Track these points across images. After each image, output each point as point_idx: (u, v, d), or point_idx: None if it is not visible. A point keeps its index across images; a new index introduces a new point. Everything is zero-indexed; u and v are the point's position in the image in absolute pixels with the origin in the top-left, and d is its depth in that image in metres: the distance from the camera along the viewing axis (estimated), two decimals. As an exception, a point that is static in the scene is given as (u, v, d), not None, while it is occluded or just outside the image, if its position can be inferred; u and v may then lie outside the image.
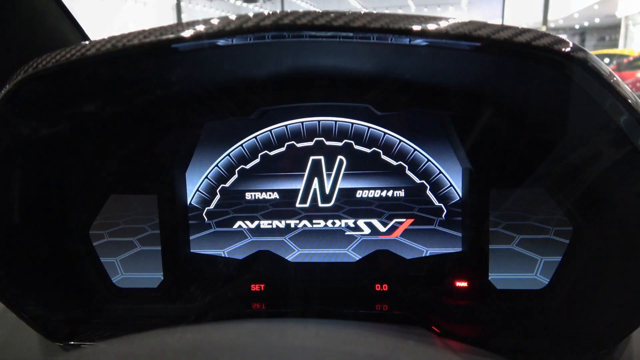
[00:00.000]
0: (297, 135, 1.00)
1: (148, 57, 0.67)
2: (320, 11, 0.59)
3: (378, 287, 0.96)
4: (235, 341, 0.40)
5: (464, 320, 0.92)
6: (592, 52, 0.60)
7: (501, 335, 0.86)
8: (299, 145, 1.00)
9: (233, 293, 0.98)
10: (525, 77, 0.74)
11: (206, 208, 1.03)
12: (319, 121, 0.99)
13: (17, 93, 0.66)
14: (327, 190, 1.01)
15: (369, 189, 1.00)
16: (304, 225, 1.03)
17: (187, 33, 0.60)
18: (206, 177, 1.02)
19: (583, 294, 0.88)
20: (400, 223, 1.00)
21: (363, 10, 0.60)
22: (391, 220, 1.00)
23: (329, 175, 1.01)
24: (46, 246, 0.91)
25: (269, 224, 1.03)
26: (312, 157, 1.00)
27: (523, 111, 0.87)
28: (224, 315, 0.94)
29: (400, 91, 0.92)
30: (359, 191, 1.01)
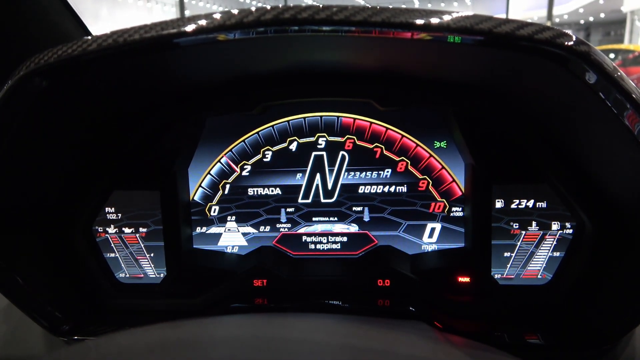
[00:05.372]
0: (299, 130, 1.00)
1: (149, 53, 0.67)
2: (322, 5, 0.59)
3: (380, 282, 0.96)
4: (236, 334, 0.41)
5: (466, 315, 0.92)
6: (597, 48, 0.59)
7: (504, 331, 0.86)
8: (301, 140, 1.00)
9: (235, 288, 0.98)
10: (528, 72, 0.73)
11: (209, 204, 1.03)
12: (321, 117, 0.99)
13: (19, 88, 0.66)
14: (330, 186, 1.01)
15: (371, 184, 1.00)
16: (306, 221, 1.03)
17: (188, 28, 0.60)
18: (208, 172, 1.02)
19: (586, 289, 0.88)
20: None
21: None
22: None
23: (331, 171, 1.01)
24: (50, 241, 0.92)
25: (271, 220, 1.03)
26: (314, 153, 1.00)
27: (527, 106, 0.87)
28: (226, 310, 0.95)
29: (402, 87, 0.92)
30: (361, 187, 1.01)
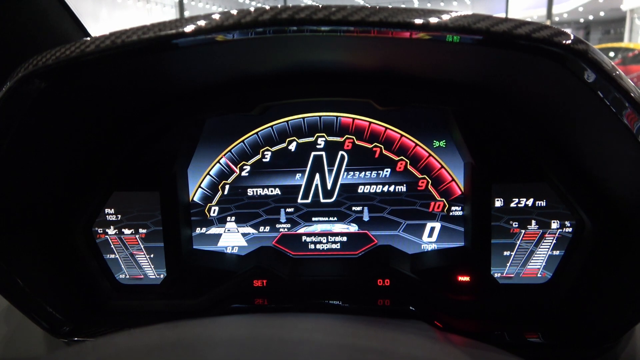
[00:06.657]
0: (298, 131, 1.00)
1: (148, 54, 0.67)
2: (320, 5, 0.59)
3: (380, 282, 0.96)
4: (235, 335, 0.41)
5: (466, 314, 0.92)
6: (597, 46, 0.59)
7: (504, 330, 0.86)
8: (300, 141, 1.00)
9: (235, 289, 0.98)
10: (527, 71, 0.73)
11: (208, 204, 1.03)
12: (320, 117, 0.99)
13: (18, 90, 0.66)
14: (329, 186, 1.01)
15: (370, 184, 1.00)
16: (305, 221, 1.03)
17: (187, 28, 0.60)
18: (208, 173, 1.02)
19: (586, 287, 0.88)
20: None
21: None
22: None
23: (330, 171, 1.01)
24: (50, 243, 0.92)
25: (270, 220, 1.03)
26: (313, 153, 1.00)
27: (526, 105, 0.87)
28: (226, 310, 0.95)
29: (401, 86, 0.92)
30: (360, 186, 1.01)
